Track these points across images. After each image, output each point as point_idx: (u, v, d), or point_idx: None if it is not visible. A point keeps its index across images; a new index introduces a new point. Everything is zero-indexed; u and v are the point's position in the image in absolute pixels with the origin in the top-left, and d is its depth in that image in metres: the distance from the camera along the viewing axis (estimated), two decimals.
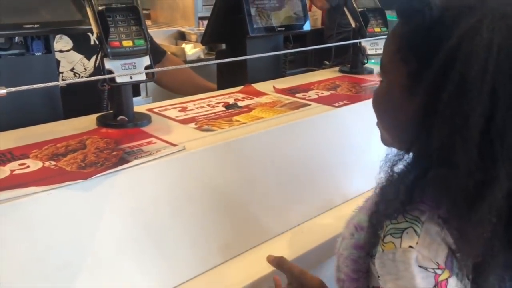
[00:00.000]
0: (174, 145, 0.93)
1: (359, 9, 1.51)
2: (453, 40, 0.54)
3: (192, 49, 3.27)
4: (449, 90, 0.53)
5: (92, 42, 1.35)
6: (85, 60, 1.34)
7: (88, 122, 1.05)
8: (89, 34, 1.34)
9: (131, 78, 0.94)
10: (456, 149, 0.53)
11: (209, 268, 0.88)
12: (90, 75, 1.33)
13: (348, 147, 1.20)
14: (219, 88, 1.72)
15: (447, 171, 0.54)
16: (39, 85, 0.81)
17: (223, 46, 1.72)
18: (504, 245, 0.54)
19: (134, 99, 1.07)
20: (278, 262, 0.89)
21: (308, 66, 1.88)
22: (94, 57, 1.32)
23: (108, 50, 0.90)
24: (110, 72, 0.93)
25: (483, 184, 0.53)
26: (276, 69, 1.64)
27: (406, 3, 0.61)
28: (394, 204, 0.60)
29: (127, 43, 0.91)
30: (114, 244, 0.78)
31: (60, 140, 0.95)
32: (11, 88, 0.76)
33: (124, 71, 0.94)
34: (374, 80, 1.50)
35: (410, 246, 0.56)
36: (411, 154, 0.66)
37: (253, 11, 1.48)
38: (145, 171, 0.84)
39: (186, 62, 2.98)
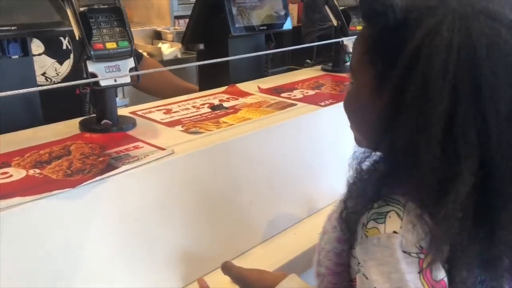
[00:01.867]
0: (162, 149, 0.90)
1: (341, 7, 1.50)
2: (415, 41, 0.55)
3: (168, 49, 3.23)
4: (411, 89, 0.55)
5: (64, 47, 1.31)
6: (57, 65, 1.29)
7: (70, 127, 1.01)
8: (61, 38, 1.30)
9: (115, 81, 0.91)
10: (419, 147, 0.54)
11: (202, 275, 0.86)
12: (63, 80, 1.29)
13: (335, 146, 1.20)
14: (201, 89, 1.69)
15: (412, 169, 0.55)
16: (20, 91, 0.78)
17: (201, 45, 1.71)
18: (475, 239, 0.55)
19: None
20: (222, 266, 0.86)
21: (286, 64, 1.87)
22: (67, 61, 1.28)
23: (92, 52, 0.87)
24: (94, 75, 0.90)
25: (447, 181, 0.54)
26: (258, 69, 1.63)
27: (369, 6, 0.61)
28: (362, 201, 0.60)
29: (110, 45, 0.89)
30: (106, 253, 0.76)
31: (42, 146, 0.91)
32: None
33: (108, 74, 0.91)
34: None
35: (395, 232, 0.56)
36: (378, 152, 0.67)
37: (234, 10, 1.46)
38: (134, 176, 0.82)
39: (163, 61, 2.94)
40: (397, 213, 0.57)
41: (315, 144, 1.14)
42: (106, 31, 0.88)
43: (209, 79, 1.60)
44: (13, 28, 0.96)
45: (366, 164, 0.65)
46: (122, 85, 0.93)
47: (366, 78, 0.63)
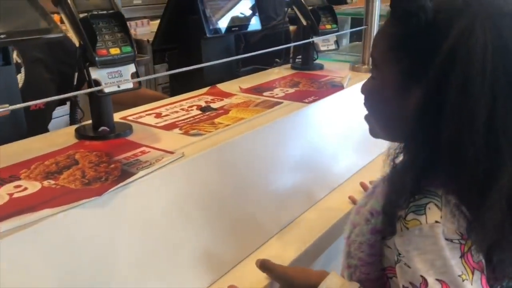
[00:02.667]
0: (171, 152, 0.91)
1: (309, 7, 1.56)
2: (449, 42, 0.59)
3: None
4: (453, 88, 0.59)
5: (14, 61, 1.23)
6: None
7: (65, 136, 0.99)
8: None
9: (118, 87, 0.91)
10: (464, 141, 0.58)
11: (224, 273, 0.88)
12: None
13: (324, 140, 1.26)
14: (173, 90, 1.69)
15: (456, 162, 0.59)
16: (29, 103, 0.76)
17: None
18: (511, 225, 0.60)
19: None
20: (261, 265, 0.87)
21: (250, 64, 1.90)
22: (18, 76, 1.19)
23: (96, 59, 0.86)
24: (96, 81, 0.89)
25: (491, 172, 0.58)
26: (230, 69, 1.65)
27: (402, 6, 0.64)
28: (403, 194, 0.63)
29: (114, 51, 0.88)
30: (134, 258, 0.76)
31: (45, 157, 0.88)
32: None
33: (111, 80, 0.90)
34: (327, 75, 1.57)
35: (436, 221, 0.60)
36: (398, 142, 0.72)
37: (208, 11, 1.48)
38: (151, 181, 0.82)
39: None
40: (435, 204, 0.61)
41: (306, 138, 1.19)
42: (108, 37, 0.87)
43: (182, 80, 1.61)
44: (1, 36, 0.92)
45: (400, 160, 0.68)
46: (125, 90, 0.92)
47: (391, 74, 0.67)
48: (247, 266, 0.91)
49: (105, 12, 0.89)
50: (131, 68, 0.93)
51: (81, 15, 0.87)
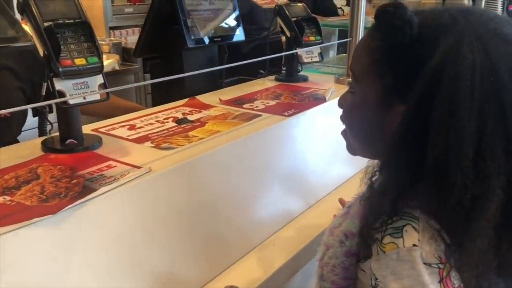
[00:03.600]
0: (138, 167, 0.87)
1: (293, 18, 1.54)
2: (435, 60, 0.57)
3: (106, 60, 3.12)
4: (439, 110, 0.55)
5: None
6: None
7: (31, 148, 0.95)
8: None
9: (84, 98, 0.87)
10: (451, 166, 0.55)
11: None
12: None
13: (303, 155, 1.22)
14: (155, 101, 1.66)
15: (441, 186, 0.56)
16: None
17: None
18: (497, 251, 0.57)
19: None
20: None
21: (236, 75, 1.88)
22: None
23: (60, 69, 0.82)
24: (61, 93, 0.86)
25: (477, 199, 0.55)
26: (213, 80, 1.62)
27: (387, 21, 0.62)
28: (380, 216, 0.60)
29: (79, 61, 0.84)
30: (91, 279, 0.72)
31: (5, 171, 0.85)
32: None
33: (77, 91, 0.87)
34: (310, 87, 1.54)
35: (414, 245, 0.56)
36: (377, 159, 0.69)
37: (189, 22, 1.45)
38: (114, 197, 0.78)
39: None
40: (413, 226, 0.57)
41: (283, 153, 1.16)
42: (74, 47, 0.84)
43: (162, 90, 1.58)
44: None
45: (377, 178, 0.65)
46: (91, 102, 0.89)
47: (372, 89, 0.64)
48: (213, 286, 0.87)
49: (71, 21, 0.85)
50: (99, 79, 0.89)
51: (46, 24, 0.84)
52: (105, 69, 2.98)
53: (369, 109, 0.66)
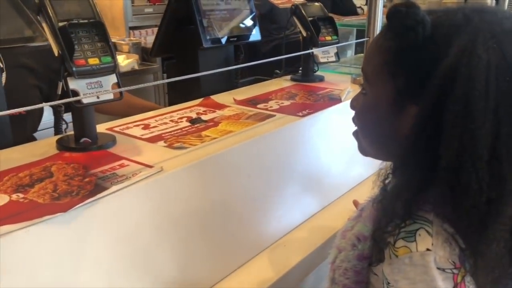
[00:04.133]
0: (150, 166, 0.88)
1: (309, 18, 1.53)
2: (449, 60, 0.55)
3: (125, 60, 3.16)
4: (453, 111, 0.54)
5: None
6: None
7: (46, 146, 0.97)
8: None
9: (98, 98, 0.88)
10: (465, 168, 0.53)
11: None
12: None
13: (317, 156, 1.21)
14: (171, 101, 1.67)
15: (456, 189, 0.54)
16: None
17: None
18: None
19: None
20: None
21: (253, 75, 1.88)
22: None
23: (74, 69, 0.83)
24: (75, 92, 0.87)
25: (492, 202, 0.53)
26: (228, 80, 1.62)
27: (400, 20, 0.60)
28: (393, 220, 0.59)
29: (93, 61, 0.85)
30: (102, 277, 0.73)
31: (20, 168, 0.86)
32: None
33: (90, 91, 0.87)
34: (326, 87, 1.53)
35: (428, 249, 0.55)
36: (390, 161, 0.67)
37: (205, 22, 1.45)
38: (125, 196, 0.79)
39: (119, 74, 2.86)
40: (426, 230, 0.56)
41: (297, 154, 1.15)
42: (87, 47, 0.85)
43: (178, 90, 1.58)
44: None
45: (390, 181, 0.64)
46: (105, 102, 0.89)
47: (385, 90, 0.63)
48: (223, 286, 0.87)
49: (86, 21, 0.86)
50: (112, 78, 0.90)
51: (61, 24, 0.85)
52: (125, 69, 3.00)
53: (381, 110, 0.65)
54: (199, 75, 1.17)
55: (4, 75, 1.11)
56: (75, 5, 0.87)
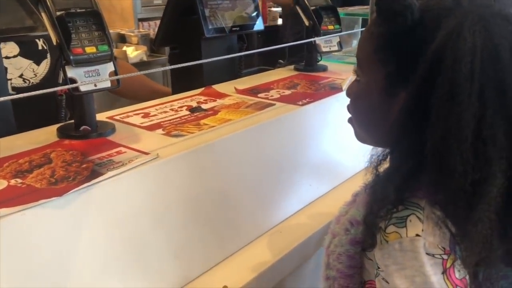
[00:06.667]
0: (146, 153, 0.89)
1: (312, 7, 1.52)
2: (436, 44, 0.55)
3: (134, 52, 3.19)
4: (439, 94, 0.54)
5: (40, 47, 1.27)
6: (34, 66, 1.26)
7: (47, 134, 0.99)
8: (36, 39, 1.26)
9: (95, 86, 0.90)
10: (451, 151, 0.54)
11: (193, 278, 0.86)
12: (42, 80, 1.25)
13: (316, 144, 1.22)
14: (174, 91, 1.68)
15: (442, 172, 0.55)
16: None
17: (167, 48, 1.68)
18: (503, 238, 0.55)
19: None
20: None
21: (257, 65, 1.88)
22: (44, 62, 1.24)
23: (71, 57, 0.85)
24: (73, 80, 0.88)
25: (479, 183, 0.54)
26: (232, 70, 1.63)
27: (388, 6, 0.60)
28: (385, 205, 0.60)
29: (90, 50, 0.87)
30: (97, 261, 0.75)
31: (21, 155, 0.88)
32: None
33: (88, 79, 0.89)
34: (329, 77, 1.53)
35: (417, 235, 0.56)
36: (384, 148, 0.68)
37: (207, 12, 1.46)
38: (120, 182, 0.80)
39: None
40: (417, 216, 0.57)
41: (296, 142, 1.16)
42: (85, 35, 0.86)
43: (182, 81, 1.59)
44: None
45: (383, 167, 0.65)
46: (102, 89, 0.91)
47: (377, 77, 0.63)
48: (217, 272, 0.88)
49: (83, 10, 0.88)
50: (110, 67, 0.91)
51: (59, 13, 0.86)
52: (133, 60, 3.02)
53: (373, 97, 0.66)
54: (201, 62, 1.18)
55: (48, 56, 1.13)
56: None
